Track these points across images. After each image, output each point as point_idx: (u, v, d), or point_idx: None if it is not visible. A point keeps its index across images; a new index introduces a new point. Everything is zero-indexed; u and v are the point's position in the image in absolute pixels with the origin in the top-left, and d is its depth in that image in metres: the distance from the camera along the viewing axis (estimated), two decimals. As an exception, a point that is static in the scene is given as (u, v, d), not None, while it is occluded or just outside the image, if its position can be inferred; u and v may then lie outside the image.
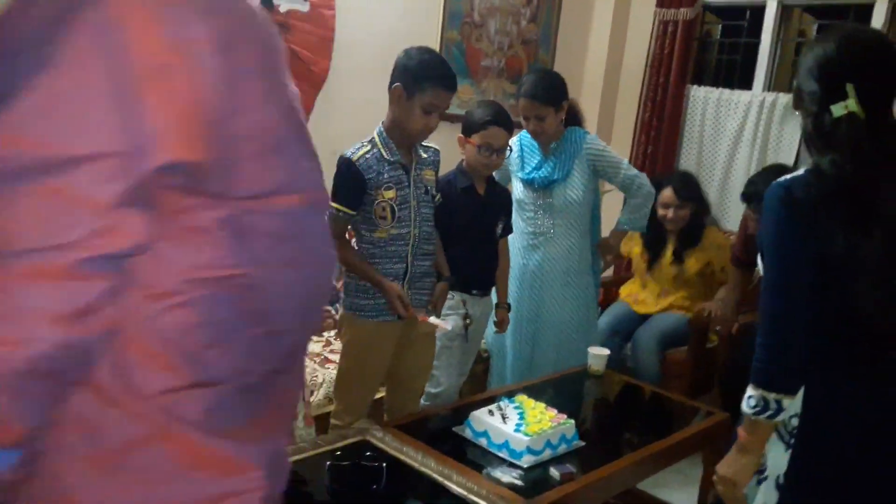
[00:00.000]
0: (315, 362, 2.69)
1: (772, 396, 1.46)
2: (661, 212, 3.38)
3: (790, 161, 3.83)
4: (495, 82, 4.07)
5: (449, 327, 2.32)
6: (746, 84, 4.08)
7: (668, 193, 3.38)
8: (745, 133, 4.02)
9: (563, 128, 2.82)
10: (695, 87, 4.20)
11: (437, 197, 2.33)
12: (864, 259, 1.40)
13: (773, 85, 4.05)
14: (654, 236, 3.44)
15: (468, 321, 2.49)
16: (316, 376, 2.57)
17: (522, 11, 4.11)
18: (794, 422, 1.55)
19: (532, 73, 2.88)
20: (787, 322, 1.46)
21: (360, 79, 3.35)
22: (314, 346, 2.84)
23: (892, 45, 1.50)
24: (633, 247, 3.59)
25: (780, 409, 1.47)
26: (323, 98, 3.26)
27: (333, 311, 2.00)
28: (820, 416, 1.52)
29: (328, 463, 1.79)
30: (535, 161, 2.86)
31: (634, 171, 2.89)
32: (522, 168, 2.87)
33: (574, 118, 2.89)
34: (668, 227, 3.42)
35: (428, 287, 2.31)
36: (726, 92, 4.09)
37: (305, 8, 3.11)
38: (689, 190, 3.40)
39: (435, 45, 3.70)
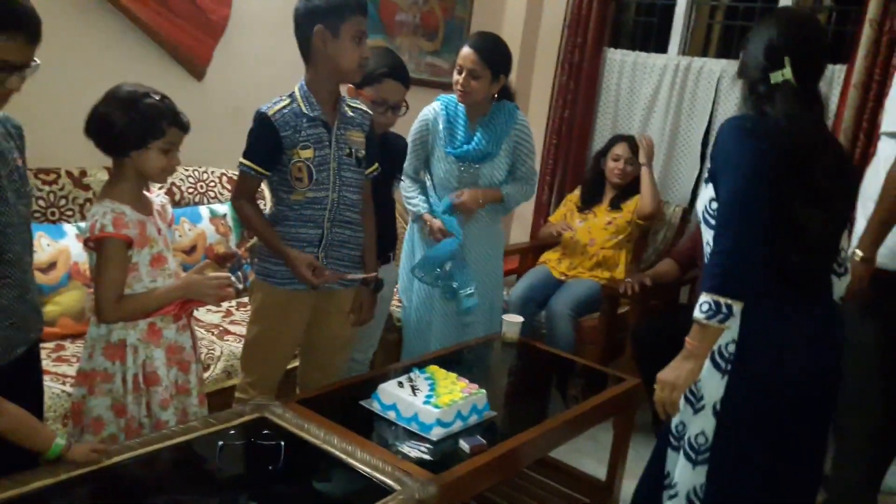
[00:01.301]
0: (213, 334, 2.53)
1: (724, 301, 1.57)
2: (611, 164, 3.61)
3: (703, 126, 3.86)
4: (410, 39, 3.91)
5: (360, 277, 2.15)
6: (662, 48, 4.06)
7: (623, 148, 3.61)
8: (659, 97, 4.01)
9: (491, 102, 2.69)
10: (612, 49, 4.16)
11: (375, 167, 2.16)
12: (816, 188, 1.64)
13: (688, 49, 4.05)
14: (592, 188, 3.71)
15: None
16: (213, 349, 2.41)
17: (439, -36, 3.95)
18: (731, 348, 1.67)
19: (480, 32, 2.74)
20: (748, 230, 1.57)
21: (263, 28, 3.13)
22: (212, 317, 2.67)
23: (822, 27, 1.87)
24: (568, 201, 3.82)
25: (730, 314, 1.57)
26: (222, 49, 3.03)
27: (234, 279, 1.85)
28: (755, 342, 1.66)
29: (220, 443, 1.65)
30: (462, 134, 2.69)
31: (534, 166, 2.83)
32: (451, 142, 2.69)
33: (506, 92, 2.73)
34: (614, 180, 3.62)
35: (346, 258, 2.14)
36: (642, 55, 4.06)
37: (201, -50, 2.85)
38: (636, 149, 3.62)
39: (345, -3, 3.51)
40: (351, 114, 2.08)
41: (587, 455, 2.89)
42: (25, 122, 2.44)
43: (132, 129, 1.64)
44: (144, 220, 1.71)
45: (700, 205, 1.75)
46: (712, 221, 1.67)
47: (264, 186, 2.43)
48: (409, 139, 2.66)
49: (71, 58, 2.58)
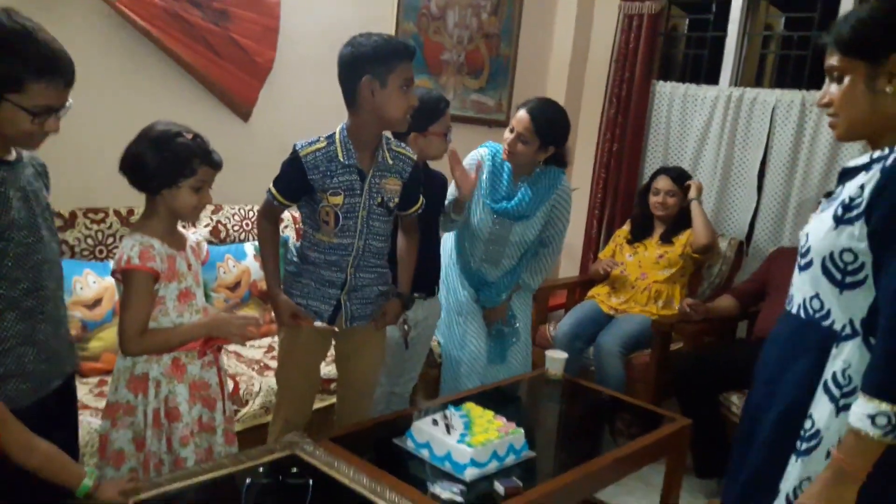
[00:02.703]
0: (254, 370, 2.52)
1: None
2: (652, 199, 3.54)
3: (758, 157, 3.74)
4: (455, 77, 3.93)
5: (336, 329, 2.09)
6: (713, 79, 3.98)
7: (663, 181, 3.53)
8: (711, 129, 3.91)
9: (536, 165, 2.67)
10: (660, 82, 4.09)
11: (420, 204, 2.15)
12: None
13: (739, 80, 3.96)
14: (641, 222, 3.62)
15: (407, 327, 2.29)
16: (253, 385, 2.40)
17: (483, 4, 3.98)
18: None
19: (543, 98, 2.69)
20: None
21: (308, 71, 3.20)
22: (254, 352, 2.67)
23: None
24: (617, 236, 3.73)
25: None
26: (268, 90, 3.11)
27: (259, 319, 1.86)
28: None
29: (248, 480, 1.63)
30: (504, 188, 2.69)
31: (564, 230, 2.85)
32: (492, 193, 2.69)
33: (556, 158, 2.69)
34: (657, 213, 3.54)
35: (372, 297, 2.10)
36: (692, 87, 3.98)
37: (247, -5, 2.95)
38: (682, 181, 3.53)
39: (389, 37, 3.56)
40: (391, 161, 2.01)
41: (638, 497, 2.77)
42: (75, 163, 2.56)
43: (164, 169, 1.66)
44: (174, 255, 1.73)
45: (821, 246, 1.44)
46: (838, 276, 1.41)
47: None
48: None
49: (121, 101, 2.68)
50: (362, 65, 1.87)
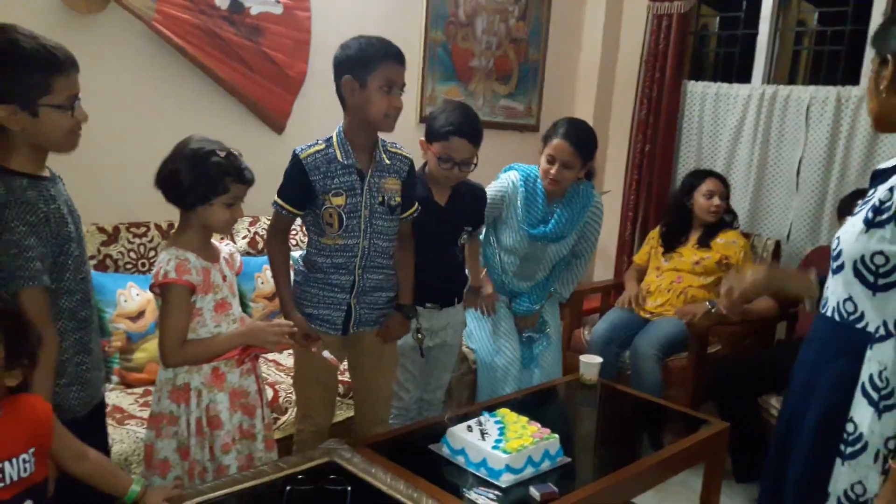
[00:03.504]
0: (291, 377, 2.56)
1: None
2: (703, 202, 3.41)
3: (796, 157, 3.68)
4: (484, 83, 3.95)
5: (340, 365, 2.10)
6: (745, 77, 3.93)
7: (714, 183, 3.42)
8: (745, 128, 3.87)
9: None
10: (692, 82, 4.06)
11: (415, 209, 2.15)
12: None
13: (772, 77, 3.91)
14: (679, 225, 3.49)
15: (420, 336, 2.29)
16: (291, 393, 2.44)
17: (510, 9, 3.99)
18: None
19: (571, 120, 2.68)
20: None
21: (339, 82, 3.23)
22: (292, 360, 2.71)
23: None
24: (651, 238, 3.64)
25: None
26: (300, 103, 3.16)
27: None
28: None
29: (287, 487, 1.67)
30: (539, 212, 2.69)
31: (595, 243, 2.91)
32: (528, 218, 2.70)
33: (588, 172, 2.72)
34: (708, 218, 3.41)
35: (381, 303, 2.12)
36: (724, 86, 3.94)
37: (279, 10, 3.00)
38: (727, 185, 3.50)
39: (418, 47, 3.60)
40: (388, 161, 2.04)
41: (677, 502, 2.75)
42: (117, 179, 2.63)
43: (197, 186, 1.70)
44: (209, 267, 1.77)
45: (853, 250, 1.45)
46: (870, 278, 1.41)
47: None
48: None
49: (159, 117, 2.75)
50: (345, 65, 1.93)
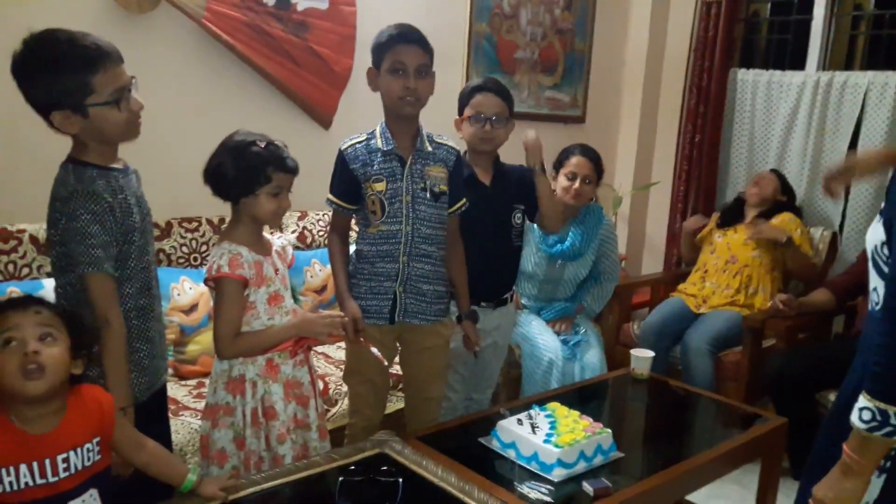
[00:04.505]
0: (341, 370, 2.58)
1: (892, 410, 1.24)
2: (751, 189, 3.51)
3: (845, 145, 3.56)
4: (529, 75, 3.92)
5: (385, 363, 2.06)
6: (799, 64, 3.82)
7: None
8: (799, 116, 3.76)
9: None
10: (742, 70, 3.96)
11: (462, 202, 2.14)
12: None
13: (828, 64, 3.79)
14: (734, 208, 3.59)
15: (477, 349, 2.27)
16: (341, 385, 2.46)
17: (556, 0, 3.94)
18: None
19: (581, 144, 2.91)
20: None
21: (385, 76, 3.24)
22: (341, 353, 2.73)
23: None
24: (710, 223, 3.66)
25: None
26: (347, 98, 3.17)
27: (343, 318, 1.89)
28: None
29: (340, 478, 1.67)
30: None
31: (618, 259, 3.09)
32: (544, 239, 2.86)
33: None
34: (753, 201, 3.49)
35: (429, 297, 2.10)
36: (777, 73, 3.83)
37: (324, 5, 3.02)
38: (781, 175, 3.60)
39: (463, 39, 3.59)
40: (431, 149, 2.05)
41: (733, 500, 2.69)
42: (170, 175, 2.68)
43: (240, 178, 1.71)
44: (261, 261, 1.78)
45: (870, 243, 1.43)
46: (884, 268, 1.38)
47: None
48: None
49: (210, 113, 2.79)
50: (371, 56, 2.01)
